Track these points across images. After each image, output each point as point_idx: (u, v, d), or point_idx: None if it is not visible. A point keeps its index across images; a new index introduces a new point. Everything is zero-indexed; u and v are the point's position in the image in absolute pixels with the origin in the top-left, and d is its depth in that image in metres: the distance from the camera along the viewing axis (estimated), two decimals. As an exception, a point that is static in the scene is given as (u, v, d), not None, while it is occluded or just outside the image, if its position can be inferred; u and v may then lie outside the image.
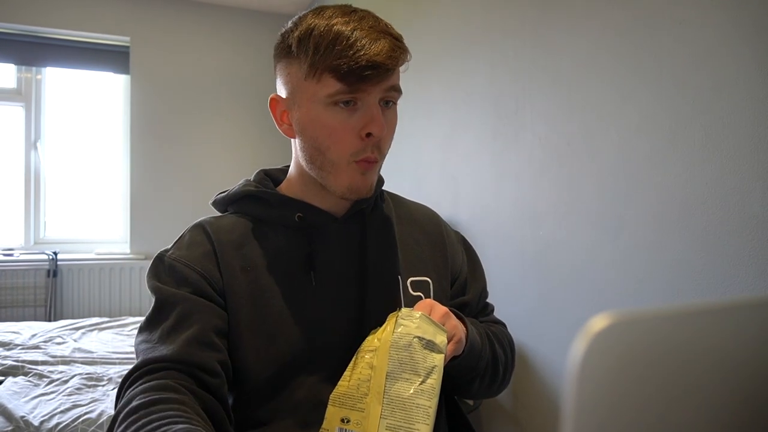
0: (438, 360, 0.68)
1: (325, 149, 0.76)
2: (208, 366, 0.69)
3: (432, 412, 0.65)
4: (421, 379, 0.67)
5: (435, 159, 2.09)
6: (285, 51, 0.77)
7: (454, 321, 0.74)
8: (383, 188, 0.92)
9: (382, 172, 0.91)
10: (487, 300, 0.98)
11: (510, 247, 1.62)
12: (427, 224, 0.93)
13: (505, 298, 1.60)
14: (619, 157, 1.21)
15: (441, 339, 0.69)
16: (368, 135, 0.73)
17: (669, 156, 1.09)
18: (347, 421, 0.67)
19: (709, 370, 0.33)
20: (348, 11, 0.74)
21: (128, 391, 0.66)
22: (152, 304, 0.75)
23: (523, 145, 1.56)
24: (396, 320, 0.71)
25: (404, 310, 0.72)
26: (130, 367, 0.70)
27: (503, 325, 0.97)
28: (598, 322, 0.29)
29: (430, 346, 0.68)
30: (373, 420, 0.65)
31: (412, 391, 0.66)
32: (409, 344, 0.68)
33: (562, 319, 1.42)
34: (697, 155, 1.03)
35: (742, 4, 0.95)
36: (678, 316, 0.33)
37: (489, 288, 0.98)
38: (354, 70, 0.70)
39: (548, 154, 1.45)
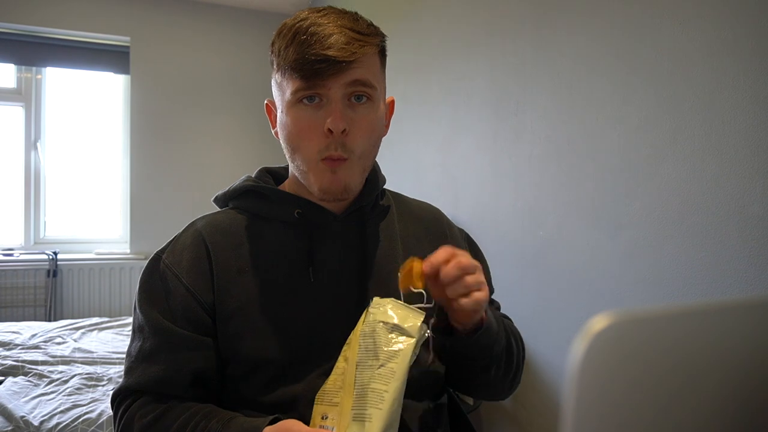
0: (405, 343, 0.65)
1: (296, 148, 0.77)
2: (180, 394, 0.76)
3: (388, 396, 0.62)
4: (380, 363, 0.65)
5: (435, 159, 2.09)
6: (270, 57, 0.79)
7: (481, 276, 0.68)
8: (385, 187, 0.92)
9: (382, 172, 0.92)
10: (492, 297, 0.98)
11: (510, 247, 1.62)
12: (428, 221, 0.93)
13: (504, 298, 1.59)
14: (620, 157, 1.21)
15: (411, 323, 0.67)
16: (330, 131, 0.73)
17: (669, 156, 1.09)
18: (325, 418, 0.66)
19: (709, 370, 0.33)
20: (318, 10, 0.75)
21: (125, 415, 0.75)
22: (137, 314, 0.80)
23: (523, 145, 1.56)
24: (367, 310, 0.71)
25: (375, 300, 0.71)
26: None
27: (510, 320, 0.97)
28: (598, 322, 0.29)
29: (396, 329, 0.66)
30: (345, 412, 0.64)
31: (369, 376, 0.64)
32: (373, 330, 0.67)
33: (562, 319, 1.42)
34: (697, 155, 1.03)
35: (743, 4, 0.95)
36: (678, 316, 0.33)
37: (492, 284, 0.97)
38: (305, 65, 0.71)
39: (548, 154, 1.45)
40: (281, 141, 0.80)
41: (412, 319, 0.67)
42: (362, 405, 0.63)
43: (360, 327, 0.70)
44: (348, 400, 0.64)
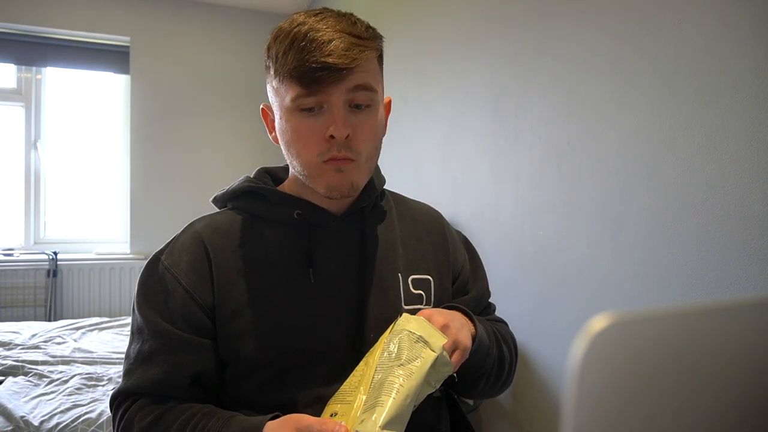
0: (426, 354, 0.67)
1: (296, 154, 0.76)
2: (180, 396, 0.76)
3: (403, 390, 0.64)
4: (400, 363, 0.66)
5: (435, 159, 2.09)
6: (265, 61, 0.78)
7: (454, 330, 0.72)
8: (385, 187, 0.92)
9: (382, 172, 0.92)
10: (489, 300, 0.98)
11: (510, 246, 1.62)
12: (429, 223, 0.93)
13: (504, 298, 1.60)
14: (619, 157, 1.21)
15: (436, 341, 0.69)
16: (332, 137, 0.73)
17: (669, 156, 1.09)
18: (334, 415, 0.67)
19: (709, 370, 0.33)
20: (315, 14, 0.73)
21: (124, 417, 0.75)
22: (135, 316, 0.80)
23: (523, 145, 1.56)
24: (395, 322, 0.73)
25: (404, 315, 0.73)
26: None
27: (505, 323, 0.97)
28: (598, 322, 0.29)
29: (421, 341, 0.68)
30: (357, 407, 0.65)
31: (388, 373, 0.66)
32: (400, 339, 0.69)
33: (562, 319, 1.42)
34: (697, 155, 1.03)
35: (743, 5, 0.95)
36: (678, 316, 0.33)
37: (489, 287, 0.98)
38: (306, 73, 0.69)
39: (548, 154, 1.45)
40: (281, 146, 0.80)
41: (436, 338, 0.69)
42: (376, 395, 0.64)
43: (386, 335, 0.72)
44: (361, 397, 0.66)
